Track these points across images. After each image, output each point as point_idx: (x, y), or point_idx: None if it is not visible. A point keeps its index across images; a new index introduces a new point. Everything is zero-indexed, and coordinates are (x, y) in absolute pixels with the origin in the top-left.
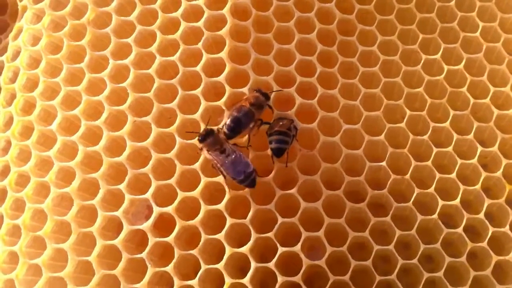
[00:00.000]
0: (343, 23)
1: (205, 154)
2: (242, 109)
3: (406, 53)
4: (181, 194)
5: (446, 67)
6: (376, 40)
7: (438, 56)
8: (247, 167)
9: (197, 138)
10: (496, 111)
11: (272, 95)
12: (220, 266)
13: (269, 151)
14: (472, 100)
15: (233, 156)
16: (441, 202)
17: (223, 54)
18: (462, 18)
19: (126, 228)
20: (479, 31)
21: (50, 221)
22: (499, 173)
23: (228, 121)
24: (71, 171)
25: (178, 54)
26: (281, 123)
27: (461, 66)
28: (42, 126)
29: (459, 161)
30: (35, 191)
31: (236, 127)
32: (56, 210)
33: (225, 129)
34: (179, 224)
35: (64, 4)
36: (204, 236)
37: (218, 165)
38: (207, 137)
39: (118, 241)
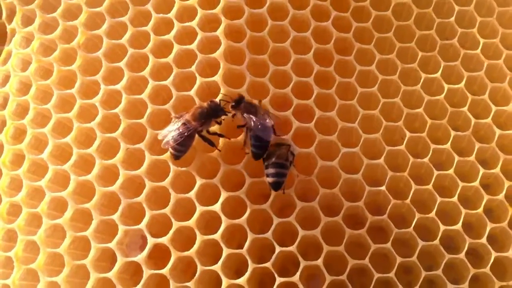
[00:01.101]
0: (340, 41)
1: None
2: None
3: (405, 72)
4: (176, 224)
5: (446, 86)
6: (374, 59)
7: (438, 74)
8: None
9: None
10: (498, 131)
11: None
12: None
13: (265, 179)
14: (473, 120)
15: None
16: (442, 227)
17: (217, 78)
18: (462, 34)
19: (120, 260)
20: (480, 48)
21: (42, 254)
22: (501, 196)
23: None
24: (63, 201)
25: (171, 78)
26: (278, 152)
27: (461, 85)
28: (33, 154)
29: (461, 184)
30: (27, 221)
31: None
32: (49, 241)
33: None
34: (175, 255)
35: (53, 27)
36: (200, 268)
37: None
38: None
39: (112, 274)
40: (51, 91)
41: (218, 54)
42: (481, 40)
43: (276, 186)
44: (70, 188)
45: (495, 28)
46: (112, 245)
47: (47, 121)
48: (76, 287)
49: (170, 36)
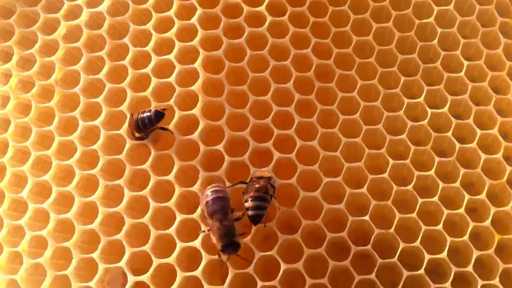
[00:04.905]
0: (321, 68)
1: None
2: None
3: (388, 97)
4: (156, 261)
5: (430, 111)
6: (356, 84)
7: (421, 99)
8: None
9: None
10: (483, 156)
11: (249, 149)
12: None
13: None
14: (458, 145)
15: None
16: (427, 256)
17: (196, 111)
18: (445, 57)
19: None
20: (464, 70)
21: None
22: (487, 222)
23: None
24: (44, 239)
25: None
26: (257, 185)
27: (445, 109)
28: (13, 192)
29: (446, 211)
30: (9, 260)
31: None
32: (30, 280)
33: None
34: None
35: (33, 62)
36: None
37: None
38: None
39: None
40: (30, 127)
41: (196, 87)
42: (465, 62)
43: (256, 219)
44: (50, 227)
45: (479, 49)
46: (93, 283)
47: (27, 158)
48: None
49: (148, 69)
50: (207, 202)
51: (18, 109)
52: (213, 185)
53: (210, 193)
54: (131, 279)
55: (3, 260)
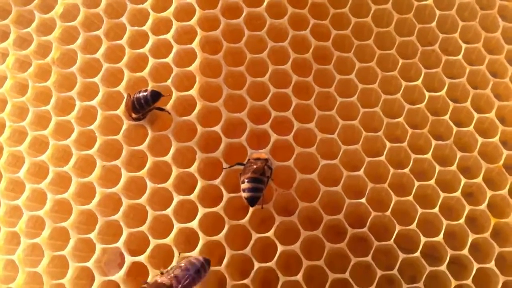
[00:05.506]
0: (319, 50)
1: None
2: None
3: (386, 79)
4: (153, 242)
5: (427, 94)
6: (354, 67)
7: (419, 82)
8: None
9: None
10: (480, 139)
11: (247, 131)
12: None
13: (241, 194)
14: (455, 129)
15: None
16: (424, 239)
17: (193, 92)
18: (444, 40)
19: (99, 279)
20: (461, 53)
21: (21, 273)
22: (483, 206)
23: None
24: (41, 219)
25: None
26: (254, 166)
27: (443, 92)
28: (10, 172)
29: (442, 194)
30: (7, 240)
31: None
32: (27, 260)
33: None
34: (152, 273)
35: (30, 41)
36: None
37: None
38: None
39: None
40: (27, 107)
41: (194, 67)
42: (463, 45)
43: (252, 201)
44: (47, 207)
45: (477, 32)
46: (90, 264)
47: (24, 138)
48: None
49: (145, 49)
50: (184, 268)
51: (15, 89)
52: (200, 263)
53: (194, 269)
54: (129, 259)
55: (0, 240)
